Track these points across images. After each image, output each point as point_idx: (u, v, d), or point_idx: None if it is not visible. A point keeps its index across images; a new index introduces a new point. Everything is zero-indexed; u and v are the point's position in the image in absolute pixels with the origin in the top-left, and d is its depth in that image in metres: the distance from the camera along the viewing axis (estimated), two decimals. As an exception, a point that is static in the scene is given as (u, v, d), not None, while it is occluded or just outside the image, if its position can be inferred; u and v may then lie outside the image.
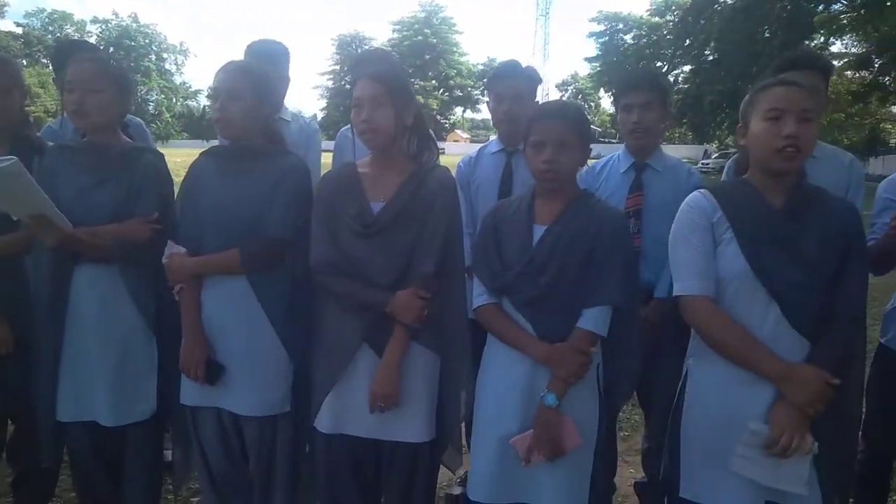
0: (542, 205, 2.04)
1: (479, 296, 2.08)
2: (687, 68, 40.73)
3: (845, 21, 21.85)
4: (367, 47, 62.14)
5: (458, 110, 76.56)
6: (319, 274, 2.11)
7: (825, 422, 1.74)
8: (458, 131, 72.23)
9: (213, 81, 2.22)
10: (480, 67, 68.61)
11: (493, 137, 3.05)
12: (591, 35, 54.76)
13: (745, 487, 1.78)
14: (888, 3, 18.22)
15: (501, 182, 2.82)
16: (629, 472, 3.31)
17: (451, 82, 67.21)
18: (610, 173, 2.72)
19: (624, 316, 2.00)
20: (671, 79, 42.46)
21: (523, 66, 2.86)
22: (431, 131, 2.48)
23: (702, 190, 1.94)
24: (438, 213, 2.08)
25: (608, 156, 2.79)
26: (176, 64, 68.23)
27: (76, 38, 43.56)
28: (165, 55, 67.36)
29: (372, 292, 2.05)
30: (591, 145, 2.08)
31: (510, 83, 2.79)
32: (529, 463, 1.97)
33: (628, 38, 53.72)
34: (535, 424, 1.95)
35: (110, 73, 2.33)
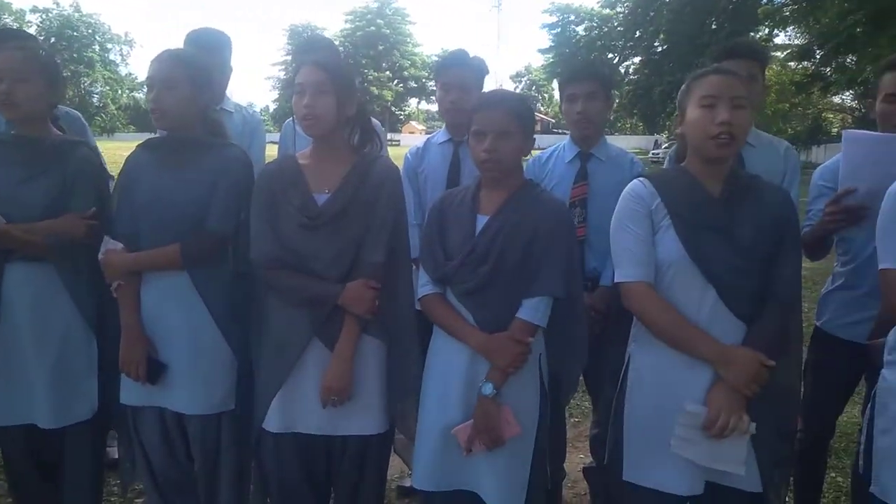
0: (487, 195, 2.04)
1: (423, 286, 2.08)
2: (637, 60, 41.30)
3: (788, 13, 22.44)
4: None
5: (413, 101, 76.31)
6: (264, 269, 2.08)
7: (763, 402, 1.79)
8: (414, 123, 71.95)
9: (148, 70, 2.16)
10: (435, 59, 68.46)
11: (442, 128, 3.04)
12: (544, 26, 55.05)
13: (686, 468, 1.82)
14: (828, -4, 18.76)
15: (449, 172, 2.82)
16: (579, 458, 3.36)
17: (406, 73, 66.86)
18: (556, 163, 2.74)
19: (567, 307, 2.03)
20: (622, 70, 43.14)
21: (471, 56, 2.86)
22: (378, 123, 2.46)
23: (641, 178, 1.96)
24: (385, 202, 2.07)
25: (554, 146, 2.81)
26: (121, 55, 66.18)
27: (15, 27, 41.85)
28: (110, 45, 65.22)
29: (322, 285, 2.02)
30: (546, 136, 2.09)
31: (457, 73, 2.78)
32: (470, 452, 1.99)
33: (580, 29, 54.11)
34: (474, 414, 1.96)
35: (39, 61, 2.24)
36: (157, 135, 2.39)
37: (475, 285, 1.97)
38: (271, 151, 3.11)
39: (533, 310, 1.97)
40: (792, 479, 2.81)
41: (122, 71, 66.66)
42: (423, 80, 66.69)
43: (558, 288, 1.97)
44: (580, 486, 3.09)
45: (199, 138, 2.23)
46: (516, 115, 1.98)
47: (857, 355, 2.28)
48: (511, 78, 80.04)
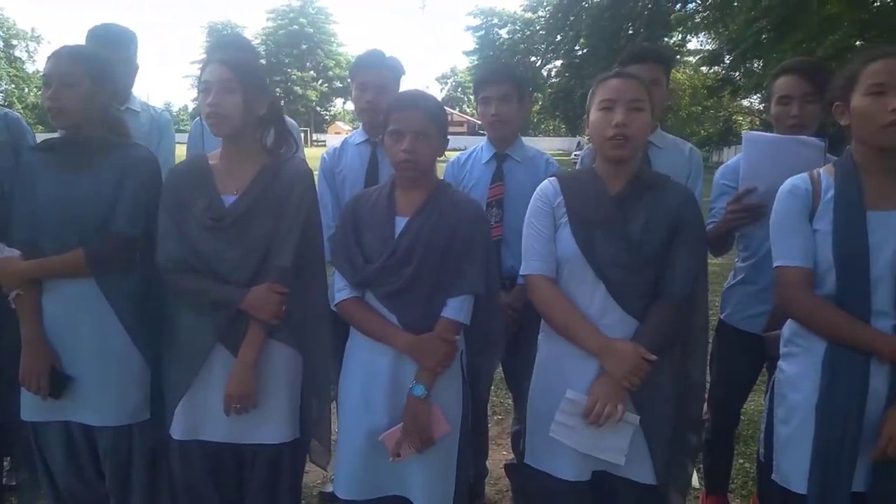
0: (403, 196, 2.04)
1: (340, 290, 2.05)
2: (559, 63, 42.16)
3: (699, 20, 23.39)
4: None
5: (339, 101, 75.43)
6: (168, 272, 2.01)
7: (656, 394, 1.86)
8: (340, 123, 71.08)
9: (45, 67, 2.05)
10: (357, 60, 67.90)
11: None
12: (468, 29, 55.61)
13: (573, 455, 1.90)
14: (735, 4, 19.67)
15: (367, 173, 2.79)
16: (502, 455, 3.40)
17: (331, 73, 65.91)
18: (473, 164, 2.76)
19: (484, 304, 2.05)
20: (545, 73, 43.99)
21: (387, 56, 2.85)
22: (294, 123, 2.41)
23: (551, 178, 2.02)
24: (295, 204, 2.03)
25: (472, 147, 2.83)
26: (28, 51, 62.58)
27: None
28: (15, 42, 61.59)
29: (225, 289, 1.97)
30: (472, 137, 2.10)
31: (374, 73, 2.77)
32: (399, 457, 1.97)
33: (504, 32, 54.91)
34: (404, 416, 1.95)
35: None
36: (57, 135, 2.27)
37: (399, 287, 1.96)
38: (184, 152, 3.00)
39: (458, 308, 1.98)
40: (701, 466, 2.96)
41: (29, 68, 63.01)
42: (349, 81, 65.90)
43: (480, 286, 1.99)
44: (502, 482, 3.13)
45: (101, 138, 2.13)
46: (433, 115, 1.98)
47: (758, 347, 2.38)
48: (437, 79, 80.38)
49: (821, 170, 1.88)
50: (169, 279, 2.02)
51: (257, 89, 2.02)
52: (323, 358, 2.14)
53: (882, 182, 1.78)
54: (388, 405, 1.98)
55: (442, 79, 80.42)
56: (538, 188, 2.02)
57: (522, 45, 50.76)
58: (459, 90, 73.96)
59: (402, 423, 1.95)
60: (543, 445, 1.97)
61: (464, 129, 59.50)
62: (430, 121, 1.97)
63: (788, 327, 1.91)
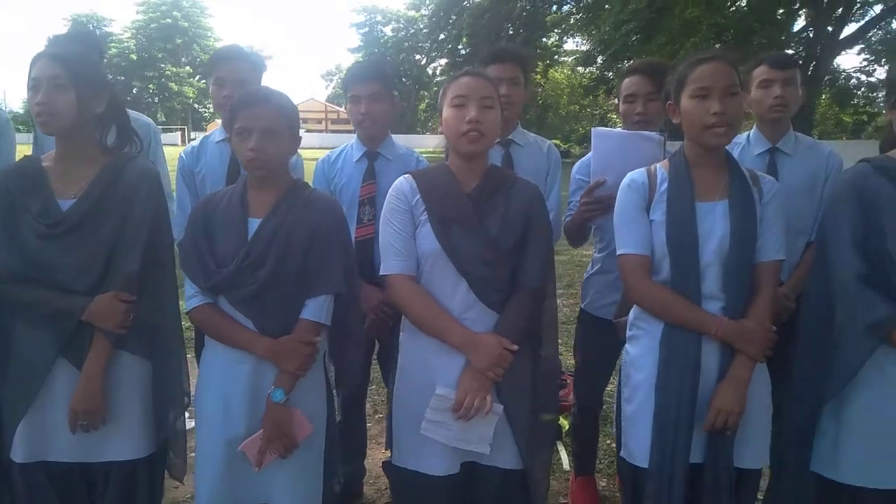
0: (256, 196, 1.98)
1: (191, 297, 1.96)
2: (443, 61, 42.72)
3: (573, 22, 24.45)
4: (105, 28, 56.28)
5: (218, 99, 72.48)
6: (0, 283, 1.86)
7: (515, 384, 1.92)
8: (220, 121, 68.27)
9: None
10: (239, 53, 65.66)
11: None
12: (352, 25, 55.19)
13: (443, 450, 1.93)
14: (606, 7, 20.72)
15: (229, 171, 2.71)
16: (383, 454, 3.40)
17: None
18: (344, 163, 2.75)
19: (346, 303, 2.04)
20: (430, 71, 44.37)
21: (248, 51, 2.78)
22: (149, 121, 2.29)
23: (406, 175, 2.04)
24: (141, 206, 1.93)
25: (343, 145, 2.82)
26: None
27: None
28: None
29: (66, 299, 1.85)
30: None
31: (232, 67, 2.69)
32: (261, 465, 1.92)
33: (388, 30, 54.90)
34: (264, 423, 1.91)
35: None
36: None
37: (254, 291, 1.91)
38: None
39: (318, 309, 1.95)
40: (570, 448, 3.10)
41: None
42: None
43: (340, 285, 1.97)
44: (381, 481, 3.13)
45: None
46: (282, 112, 1.94)
47: (614, 332, 2.53)
48: (322, 76, 79.13)
49: (657, 165, 2.02)
50: (2, 291, 1.88)
51: (92, 85, 1.90)
52: (175, 368, 2.05)
53: (710, 176, 1.93)
54: (247, 413, 1.93)
55: (327, 76, 79.26)
56: (393, 186, 2.03)
57: (407, 44, 50.97)
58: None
59: (262, 430, 1.91)
60: (411, 444, 1.98)
61: (351, 126, 58.87)
62: (279, 118, 1.92)
63: (633, 312, 2.04)
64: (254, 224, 1.94)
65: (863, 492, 1.88)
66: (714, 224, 1.88)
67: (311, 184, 2.69)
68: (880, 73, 23.90)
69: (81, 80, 1.86)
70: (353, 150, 2.75)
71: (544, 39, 32.29)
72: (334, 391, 2.13)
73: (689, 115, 1.89)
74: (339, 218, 2.04)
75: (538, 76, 37.24)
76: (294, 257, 1.91)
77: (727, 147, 1.92)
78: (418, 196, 1.96)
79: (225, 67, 2.68)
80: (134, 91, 56.69)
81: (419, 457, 1.97)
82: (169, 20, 59.71)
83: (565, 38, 28.66)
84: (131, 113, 2.46)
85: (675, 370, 1.86)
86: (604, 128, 2.40)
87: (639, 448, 1.93)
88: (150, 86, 59.24)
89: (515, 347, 1.86)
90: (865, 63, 23.98)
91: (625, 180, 2.00)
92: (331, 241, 1.96)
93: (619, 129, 2.44)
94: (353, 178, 2.69)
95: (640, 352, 1.97)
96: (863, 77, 24.84)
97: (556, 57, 37.57)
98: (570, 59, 27.77)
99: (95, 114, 1.93)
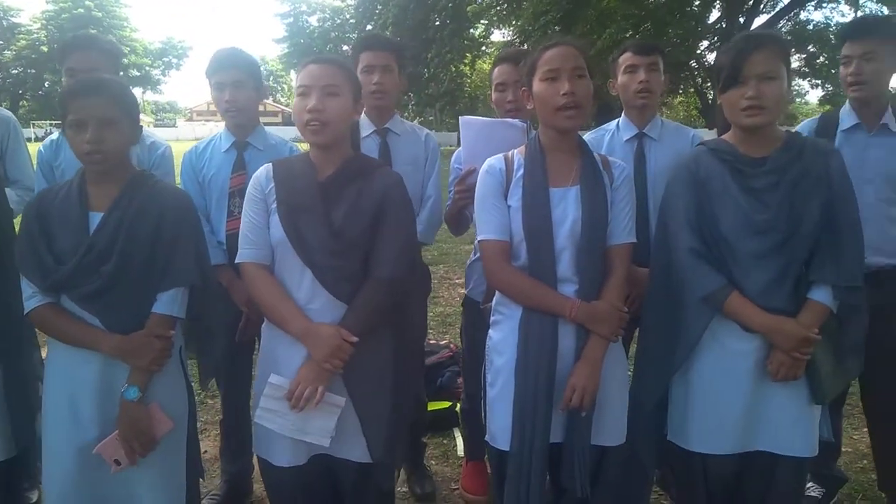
0: (96, 189, 1.89)
1: (29, 297, 1.87)
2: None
3: (493, 13, 24.59)
4: (12, 19, 53.27)
5: (138, 92, 69.95)
6: None
7: (365, 375, 1.91)
8: (142, 115, 66.00)
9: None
10: (159, 45, 63.39)
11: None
12: (276, 15, 53.95)
13: (289, 442, 1.91)
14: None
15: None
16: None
17: (126, 61, 60.79)
18: (213, 153, 2.67)
19: (201, 294, 1.98)
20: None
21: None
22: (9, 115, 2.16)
23: (267, 164, 2.00)
24: None
25: (211, 136, 2.73)
26: None
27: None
28: None
29: None
30: (286, 128, 2.01)
31: (83, 56, 2.55)
32: (120, 466, 1.86)
33: (313, 20, 53.91)
34: (118, 423, 1.84)
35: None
36: None
37: (99, 287, 1.83)
38: None
39: (170, 302, 1.89)
40: (466, 435, 3.12)
41: None
42: (147, 69, 61.38)
43: (193, 276, 1.92)
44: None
45: None
46: (118, 100, 1.86)
47: (493, 318, 2.55)
48: (247, 68, 77.14)
49: (514, 151, 2.04)
50: None
51: None
52: (27, 370, 1.96)
53: (563, 162, 1.96)
54: (98, 415, 1.86)
55: (252, 67, 77.49)
56: (254, 175, 1.99)
57: (334, 34, 50.17)
58: (272, 79, 71.55)
59: (118, 430, 1.84)
60: (260, 434, 1.97)
61: (279, 119, 57.76)
62: (115, 106, 1.84)
63: (495, 297, 2.06)
64: (95, 218, 1.86)
65: (708, 458, 1.99)
66: (567, 209, 1.91)
67: (178, 175, 2.61)
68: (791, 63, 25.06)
69: None
70: (222, 140, 2.68)
71: (472, 31, 32.32)
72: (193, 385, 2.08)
73: (541, 98, 1.92)
74: (187, 207, 1.97)
75: (466, 67, 37.35)
76: (141, 250, 1.85)
77: (596, 135, 1.95)
78: (272, 185, 1.93)
79: (76, 57, 2.55)
80: (46, 85, 53.84)
81: (267, 446, 1.96)
82: (81, 10, 56.85)
83: (492, 28, 28.77)
84: None
85: (533, 353, 1.88)
86: (470, 116, 2.41)
87: (500, 432, 1.95)
88: (63, 79, 56.48)
89: (354, 339, 1.83)
90: (776, 53, 25.01)
91: (483, 166, 2.02)
92: (180, 231, 1.90)
93: (483, 118, 2.45)
94: (221, 168, 2.62)
95: (502, 336, 1.99)
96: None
97: (483, 48, 37.75)
98: (495, 51, 27.91)
99: None
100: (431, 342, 4.20)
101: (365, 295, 1.88)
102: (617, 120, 2.73)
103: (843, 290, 1.90)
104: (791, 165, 1.90)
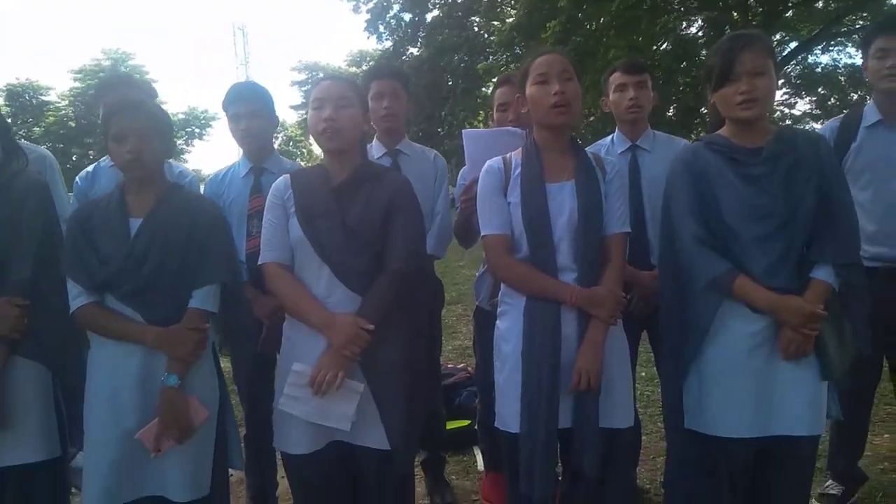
0: (135, 198, 2.09)
1: (76, 297, 2.03)
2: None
3: (502, 71, 25.28)
4: (42, 98, 55.55)
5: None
6: None
7: (381, 362, 2.00)
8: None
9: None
10: (182, 116, 65.61)
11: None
12: (293, 84, 55.61)
13: (308, 428, 2.02)
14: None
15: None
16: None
17: (151, 133, 62.68)
18: (231, 180, 2.86)
19: (232, 291, 2.13)
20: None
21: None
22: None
23: (285, 175, 2.18)
24: (29, 216, 2.04)
25: (230, 164, 2.92)
26: None
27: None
28: None
29: None
30: None
31: (245, 104, 2.78)
32: (160, 452, 1.97)
33: (330, 86, 55.54)
34: (159, 410, 1.97)
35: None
36: None
37: (140, 285, 2.00)
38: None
39: (204, 298, 2.05)
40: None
41: None
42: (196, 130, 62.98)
43: (224, 274, 2.08)
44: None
45: None
46: (155, 118, 2.09)
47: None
48: (267, 135, 79.06)
49: (512, 153, 2.19)
50: None
51: None
52: (73, 369, 2.10)
53: (558, 159, 2.11)
54: (139, 405, 1.99)
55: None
56: (273, 184, 2.17)
57: (350, 99, 51.46)
58: (290, 144, 73.38)
59: (158, 417, 1.96)
60: (280, 427, 2.09)
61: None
62: (151, 122, 2.06)
63: (501, 289, 2.17)
64: (135, 224, 2.04)
65: (724, 441, 2.02)
66: (563, 202, 2.04)
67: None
68: (802, 105, 25.21)
69: None
70: (240, 166, 2.87)
71: (484, 89, 33.18)
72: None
73: (534, 99, 2.08)
74: (216, 213, 2.17)
75: (479, 124, 38.09)
76: (176, 253, 2.01)
77: (592, 149, 2.08)
78: (290, 192, 2.10)
79: (238, 105, 2.77)
80: (73, 158, 55.68)
81: (285, 437, 2.07)
82: (108, 86, 59.06)
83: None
84: (27, 145, 2.58)
85: (538, 338, 1.98)
86: (474, 129, 2.57)
87: (510, 416, 2.03)
88: (91, 152, 58.34)
89: (371, 326, 1.94)
90: (787, 96, 25.14)
91: (483, 168, 2.16)
92: (212, 234, 2.07)
93: (484, 129, 2.62)
94: (240, 193, 2.80)
95: (508, 325, 2.09)
96: (786, 110, 25.92)
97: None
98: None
99: None
100: (449, 365, 4.28)
101: (379, 286, 2.00)
102: (611, 135, 2.88)
103: (843, 269, 1.99)
104: (785, 154, 2.01)
